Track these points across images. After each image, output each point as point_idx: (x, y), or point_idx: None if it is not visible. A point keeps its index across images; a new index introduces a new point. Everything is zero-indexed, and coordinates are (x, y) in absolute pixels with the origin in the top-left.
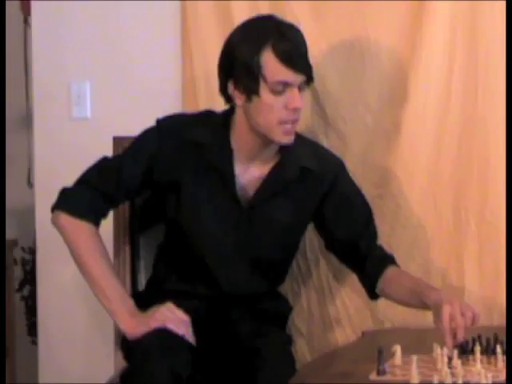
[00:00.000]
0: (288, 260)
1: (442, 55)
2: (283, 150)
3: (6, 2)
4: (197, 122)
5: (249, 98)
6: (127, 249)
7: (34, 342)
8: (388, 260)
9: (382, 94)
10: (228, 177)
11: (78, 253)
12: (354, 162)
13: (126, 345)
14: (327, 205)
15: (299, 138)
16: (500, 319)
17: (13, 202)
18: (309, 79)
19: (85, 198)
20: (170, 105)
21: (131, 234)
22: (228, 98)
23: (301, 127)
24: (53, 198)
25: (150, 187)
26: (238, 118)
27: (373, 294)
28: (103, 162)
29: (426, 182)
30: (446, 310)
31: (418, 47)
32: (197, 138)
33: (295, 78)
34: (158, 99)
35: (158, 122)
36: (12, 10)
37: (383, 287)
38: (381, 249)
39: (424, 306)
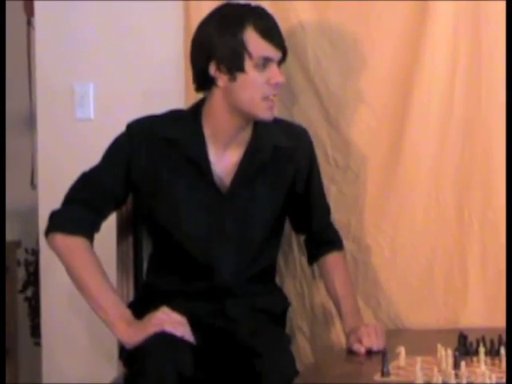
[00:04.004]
0: (275, 242)
1: (445, 55)
2: (256, 132)
3: (10, 3)
4: (166, 120)
5: (233, 77)
6: (130, 249)
7: (38, 344)
8: (334, 245)
9: (386, 94)
10: (204, 166)
11: (72, 268)
12: (357, 162)
13: (125, 353)
14: (300, 175)
15: None
16: (504, 320)
17: (16, 203)
18: (284, 56)
19: (74, 214)
20: (173, 105)
21: (135, 233)
22: (205, 84)
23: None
24: (56, 199)
25: (133, 190)
26: (216, 102)
27: (310, 262)
28: (83, 177)
29: (430, 183)
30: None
31: (421, 47)
32: (168, 135)
33: (276, 53)
34: (161, 100)
35: (128, 125)
36: (15, 11)
37: (320, 268)
38: (331, 229)
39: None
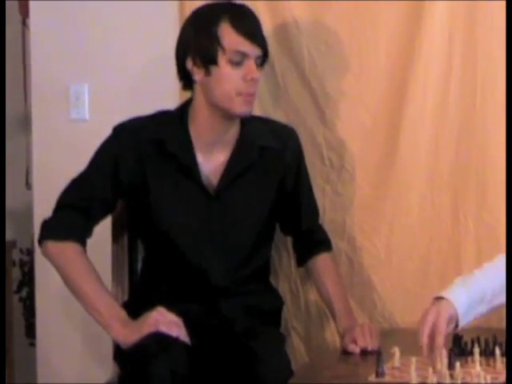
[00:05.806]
0: (267, 242)
1: (441, 55)
2: (243, 132)
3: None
4: (153, 121)
5: (207, 71)
6: (125, 251)
7: (32, 344)
8: (323, 246)
9: (381, 94)
10: (191, 167)
11: (66, 273)
12: (352, 163)
13: (120, 354)
14: (289, 176)
15: (255, 118)
16: (498, 321)
17: (11, 203)
18: (265, 54)
19: (65, 220)
20: (168, 106)
21: (129, 235)
22: (186, 81)
23: (299, 128)
24: (51, 199)
25: (122, 193)
26: (197, 100)
27: (299, 264)
28: (73, 183)
29: (425, 184)
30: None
31: (416, 47)
32: (154, 136)
33: (252, 49)
34: (156, 101)
35: (114, 128)
36: (10, 11)
37: (310, 270)
38: (320, 229)
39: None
